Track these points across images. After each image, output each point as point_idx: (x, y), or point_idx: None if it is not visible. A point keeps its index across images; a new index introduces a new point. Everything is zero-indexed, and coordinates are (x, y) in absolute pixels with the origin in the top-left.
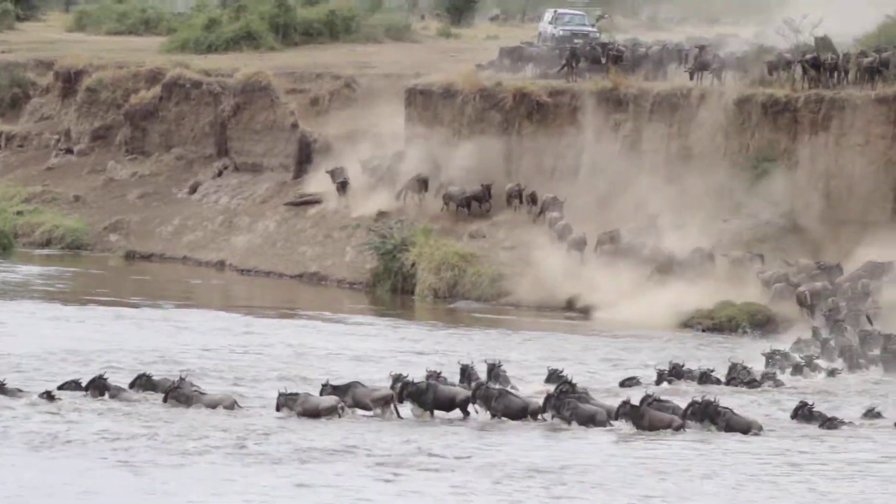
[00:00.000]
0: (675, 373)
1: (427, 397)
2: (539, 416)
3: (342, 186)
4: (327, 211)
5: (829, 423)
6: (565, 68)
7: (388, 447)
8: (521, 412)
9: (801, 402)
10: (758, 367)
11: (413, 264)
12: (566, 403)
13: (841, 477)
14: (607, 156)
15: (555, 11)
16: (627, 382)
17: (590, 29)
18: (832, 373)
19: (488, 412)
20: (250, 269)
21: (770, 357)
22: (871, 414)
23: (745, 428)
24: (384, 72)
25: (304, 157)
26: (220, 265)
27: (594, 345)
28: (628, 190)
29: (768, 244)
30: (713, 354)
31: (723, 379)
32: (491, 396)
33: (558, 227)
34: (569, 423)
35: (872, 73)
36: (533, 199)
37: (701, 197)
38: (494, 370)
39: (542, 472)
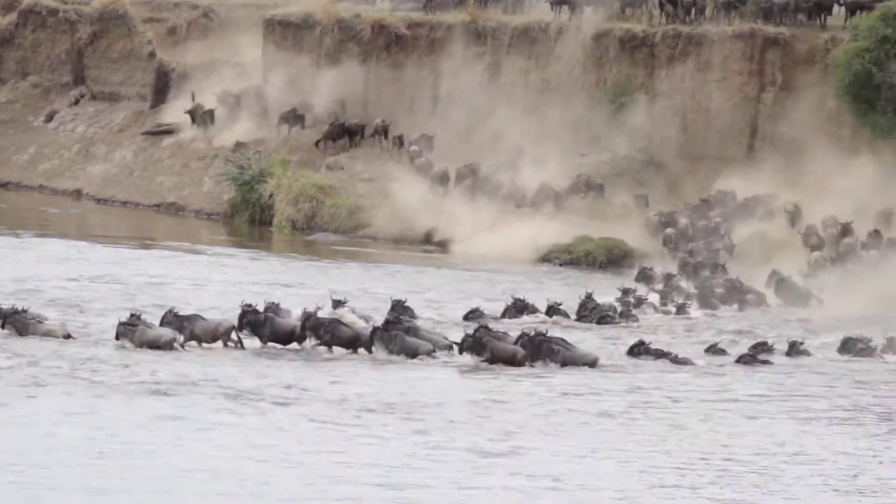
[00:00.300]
0: (520, 307)
1: (264, 329)
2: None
3: (204, 120)
4: (185, 141)
5: (668, 357)
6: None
7: (236, 380)
8: (352, 342)
9: (638, 339)
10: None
11: (271, 195)
12: (393, 336)
13: (686, 412)
14: (466, 89)
15: None
16: (471, 315)
17: None
18: (681, 309)
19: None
20: (107, 199)
21: (623, 293)
22: (714, 350)
23: (580, 362)
24: (242, 1)
25: (162, 87)
26: (77, 194)
27: (449, 278)
28: (487, 123)
29: (626, 178)
30: (567, 288)
31: (572, 314)
32: (320, 326)
33: (420, 163)
34: (396, 354)
35: (729, 8)
36: (400, 140)
37: (560, 130)
38: (398, 305)
39: (399, 407)
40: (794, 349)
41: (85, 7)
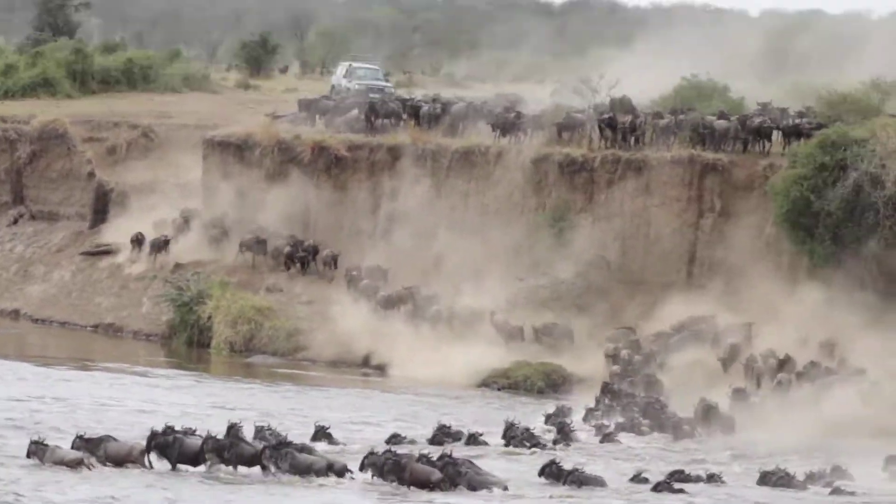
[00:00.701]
0: (444, 433)
1: (173, 450)
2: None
3: (156, 247)
4: (123, 261)
5: (576, 478)
6: (365, 122)
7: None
8: (253, 460)
9: (550, 459)
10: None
11: (209, 317)
12: (283, 455)
13: None
14: (407, 211)
15: (349, 65)
16: (392, 440)
17: (385, 83)
18: (607, 437)
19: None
20: (45, 319)
21: (549, 417)
22: (638, 479)
23: (485, 486)
24: (182, 122)
25: (101, 207)
26: (15, 314)
27: (386, 401)
28: (428, 246)
29: (564, 303)
30: (501, 414)
31: (489, 439)
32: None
33: (364, 286)
34: (285, 473)
35: (668, 133)
36: (335, 260)
37: (499, 254)
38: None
39: None
40: (712, 479)
41: (25, 126)
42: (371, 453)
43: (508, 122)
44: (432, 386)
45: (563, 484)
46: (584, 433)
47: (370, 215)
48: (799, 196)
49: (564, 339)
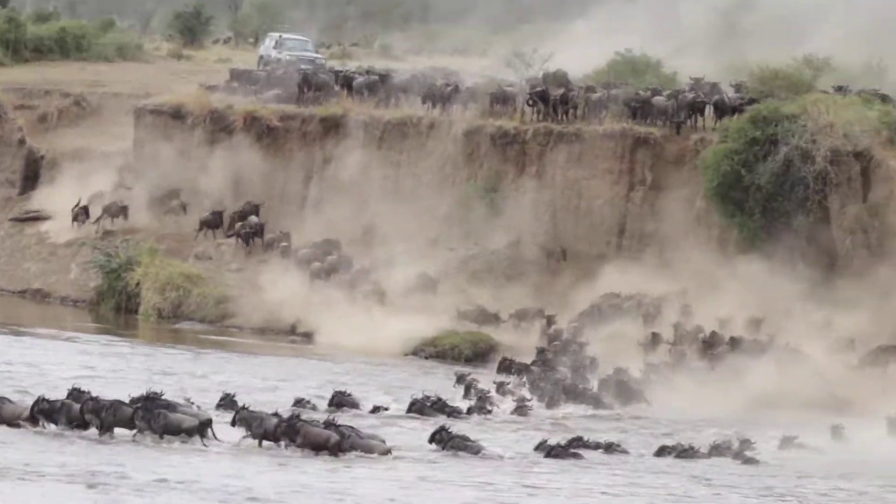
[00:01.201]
0: (340, 400)
1: (60, 415)
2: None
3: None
4: (53, 228)
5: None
6: (298, 93)
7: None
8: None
9: (440, 426)
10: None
11: (138, 283)
12: (156, 414)
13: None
14: (338, 182)
15: (279, 36)
16: (298, 404)
17: (315, 55)
18: (521, 408)
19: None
20: None
21: (466, 385)
22: (542, 447)
23: (368, 450)
24: (115, 91)
25: (31, 174)
26: None
27: (304, 368)
28: (359, 217)
29: (495, 273)
30: (421, 382)
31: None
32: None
33: (301, 255)
34: (160, 434)
35: (600, 107)
36: (261, 229)
37: (431, 225)
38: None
39: (263, 500)
40: (611, 448)
41: None
42: (242, 408)
43: (440, 95)
44: (359, 354)
45: (444, 449)
46: (502, 403)
47: (301, 186)
48: (729, 170)
49: (536, 320)
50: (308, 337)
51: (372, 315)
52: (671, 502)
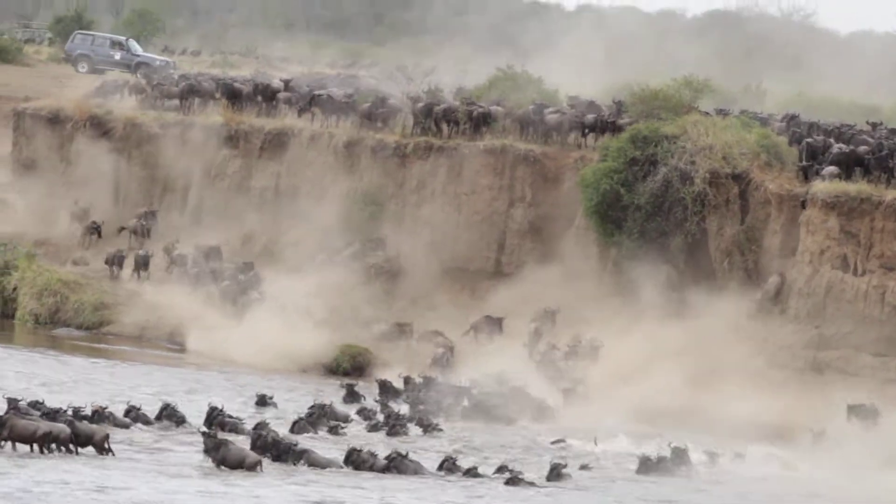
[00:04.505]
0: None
1: None
2: None
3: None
4: None
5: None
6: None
7: None
8: None
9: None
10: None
11: (15, 288)
12: (3, 422)
13: None
14: (217, 191)
15: (125, 40)
16: (132, 412)
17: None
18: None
19: None
20: None
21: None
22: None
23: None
24: None
25: None
26: None
27: (162, 376)
28: (236, 226)
29: (373, 287)
30: (280, 394)
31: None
32: None
33: (180, 262)
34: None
35: (479, 124)
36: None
37: (308, 237)
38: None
39: None
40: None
41: None
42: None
43: (317, 104)
44: (228, 364)
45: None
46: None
47: (180, 194)
48: (609, 189)
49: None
50: (181, 346)
51: (247, 325)
52: None
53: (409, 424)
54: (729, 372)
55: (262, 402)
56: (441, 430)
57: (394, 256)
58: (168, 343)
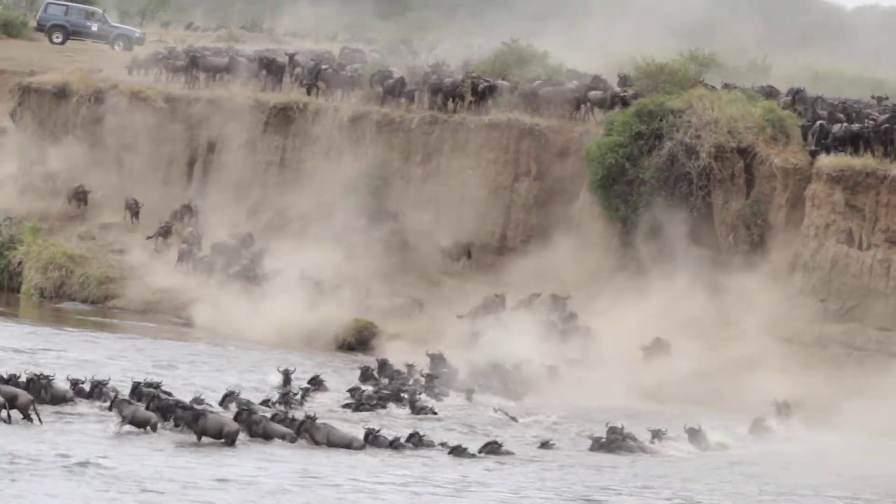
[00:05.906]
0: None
1: None
2: None
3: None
4: None
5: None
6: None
7: None
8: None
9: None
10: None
11: (20, 262)
12: None
13: None
14: (221, 165)
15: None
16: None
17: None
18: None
19: None
20: None
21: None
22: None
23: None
24: None
25: None
26: None
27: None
28: (242, 202)
29: (378, 261)
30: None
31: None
32: None
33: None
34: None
35: (485, 98)
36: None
37: (314, 212)
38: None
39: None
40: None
41: None
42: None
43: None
44: (236, 339)
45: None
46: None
47: (184, 168)
48: (614, 163)
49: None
50: (188, 321)
51: (255, 301)
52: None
53: (391, 403)
54: (735, 347)
55: (287, 378)
56: (436, 413)
57: (399, 230)
58: (175, 318)
